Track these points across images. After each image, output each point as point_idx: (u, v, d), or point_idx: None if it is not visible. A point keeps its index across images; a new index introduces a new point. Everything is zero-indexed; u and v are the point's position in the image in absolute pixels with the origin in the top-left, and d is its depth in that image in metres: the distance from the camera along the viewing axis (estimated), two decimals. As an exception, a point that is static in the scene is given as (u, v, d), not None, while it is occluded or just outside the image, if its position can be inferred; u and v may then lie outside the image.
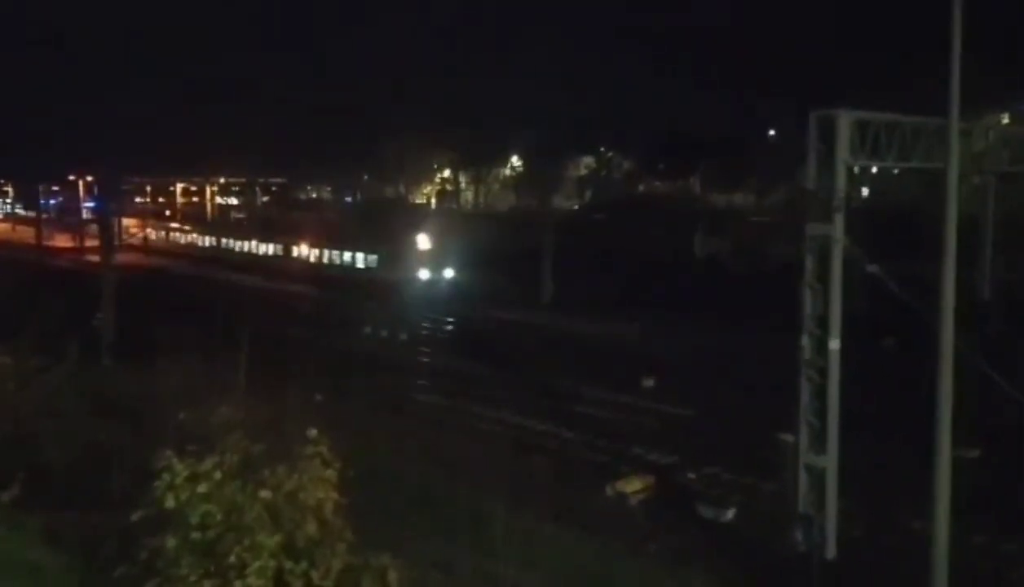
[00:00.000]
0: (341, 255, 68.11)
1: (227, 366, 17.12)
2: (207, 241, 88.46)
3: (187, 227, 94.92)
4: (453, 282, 60.23)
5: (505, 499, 16.89)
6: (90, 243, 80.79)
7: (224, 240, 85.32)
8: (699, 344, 39.59)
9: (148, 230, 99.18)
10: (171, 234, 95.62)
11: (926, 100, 18.34)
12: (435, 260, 61.13)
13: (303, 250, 72.06)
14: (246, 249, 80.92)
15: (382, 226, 75.52)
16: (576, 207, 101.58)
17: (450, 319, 52.31)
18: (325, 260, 69.66)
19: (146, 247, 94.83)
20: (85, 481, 14.23)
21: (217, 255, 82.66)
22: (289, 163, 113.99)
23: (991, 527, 19.94)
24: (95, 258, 64.68)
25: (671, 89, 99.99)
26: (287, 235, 75.72)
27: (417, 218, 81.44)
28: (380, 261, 63.81)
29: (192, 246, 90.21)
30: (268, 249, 77.85)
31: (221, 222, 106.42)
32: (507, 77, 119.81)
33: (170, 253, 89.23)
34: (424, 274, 60.22)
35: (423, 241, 62.75)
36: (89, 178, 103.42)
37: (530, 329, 47.18)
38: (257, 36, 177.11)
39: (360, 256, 66.20)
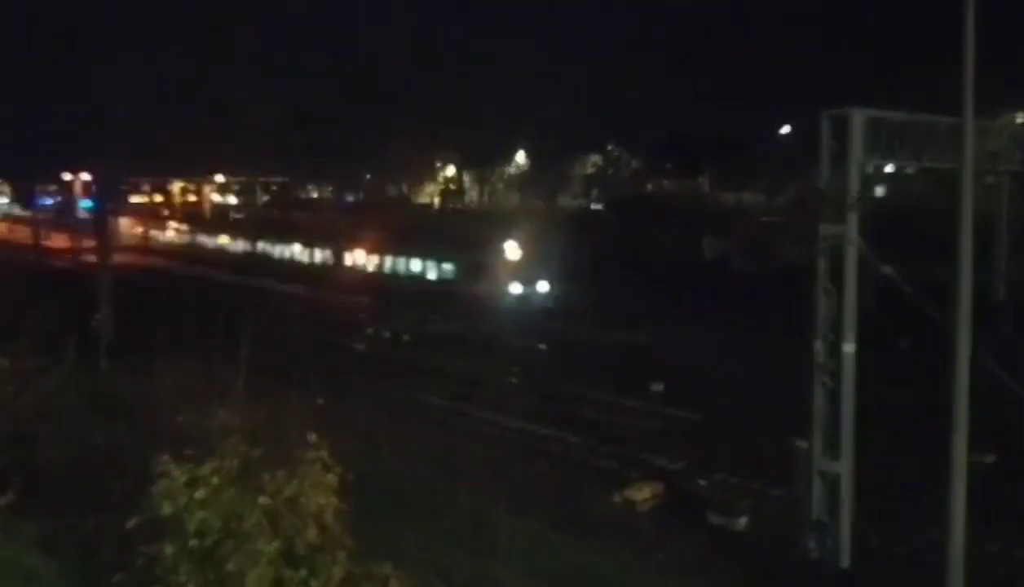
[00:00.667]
0: (407, 264, 60.58)
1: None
2: (240, 246, 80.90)
3: (217, 230, 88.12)
4: (549, 297, 52.19)
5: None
6: (93, 243, 79.55)
7: (260, 245, 77.86)
8: (709, 348, 39.06)
9: (168, 231, 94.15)
10: (197, 236, 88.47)
11: (940, 100, 18.03)
12: (527, 271, 53.09)
13: (358, 258, 64.50)
14: (287, 256, 73.54)
15: (450, 231, 68.80)
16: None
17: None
18: (386, 269, 62.15)
19: (168, 250, 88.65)
20: (83, 485, 14.02)
21: (254, 262, 75.09)
22: (290, 162, 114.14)
23: (1007, 533, 19.60)
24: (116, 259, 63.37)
25: (679, 87, 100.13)
26: (336, 240, 68.29)
27: (498, 222, 72.48)
28: (459, 272, 56.45)
29: (221, 251, 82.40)
30: (315, 256, 70.20)
31: (259, 225, 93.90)
32: (513, 76, 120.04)
33: (200, 259, 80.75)
34: (516, 288, 52.45)
35: (512, 250, 54.75)
36: (87, 177, 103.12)
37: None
38: (259, 36, 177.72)
39: (431, 265, 58.67)
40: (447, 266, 57.63)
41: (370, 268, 63.17)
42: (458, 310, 48.18)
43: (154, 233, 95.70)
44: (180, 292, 56.42)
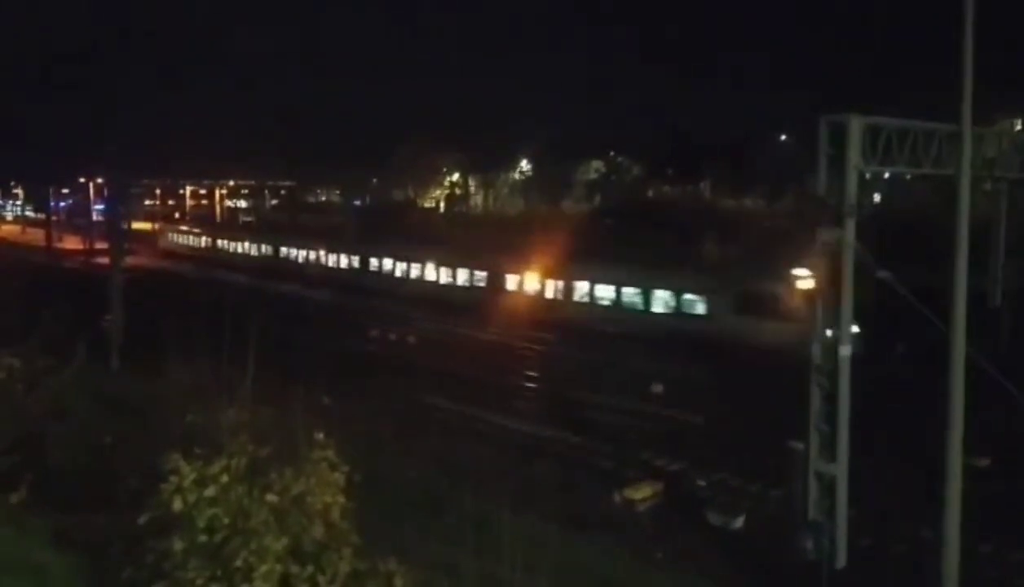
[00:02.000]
0: (618, 292, 44.48)
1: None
2: (343, 261, 64.68)
3: (313, 241, 71.10)
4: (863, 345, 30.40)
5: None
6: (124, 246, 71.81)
7: (373, 260, 61.49)
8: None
9: (244, 242, 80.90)
10: (280, 249, 72.90)
11: (938, 105, 18.26)
12: (833, 310, 35.77)
13: (528, 281, 48.73)
14: (414, 275, 57.35)
15: (669, 243, 55.37)
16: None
17: None
18: (578, 298, 46.24)
19: (248, 265, 73.17)
20: (92, 483, 14.22)
21: (360, 281, 60.76)
22: (299, 166, 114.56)
23: (1001, 536, 19.78)
24: (135, 261, 61.16)
25: (680, 92, 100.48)
26: (491, 257, 52.74)
27: (765, 232, 55.58)
28: (718, 307, 39.86)
29: (318, 266, 67.02)
30: (454, 276, 54.06)
31: (363, 236, 75.06)
32: (518, 81, 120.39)
33: (291, 275, 67.03)
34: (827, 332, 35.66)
35: (807, 279, 40.43)
36: (99, 180, 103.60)
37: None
38: (268, 39, 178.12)
39: (662, 295, 42.59)
40: (691, 297, 41.59)
41: (550, 295, 47.70)
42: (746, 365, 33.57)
43: (221, 243, 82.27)
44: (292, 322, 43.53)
